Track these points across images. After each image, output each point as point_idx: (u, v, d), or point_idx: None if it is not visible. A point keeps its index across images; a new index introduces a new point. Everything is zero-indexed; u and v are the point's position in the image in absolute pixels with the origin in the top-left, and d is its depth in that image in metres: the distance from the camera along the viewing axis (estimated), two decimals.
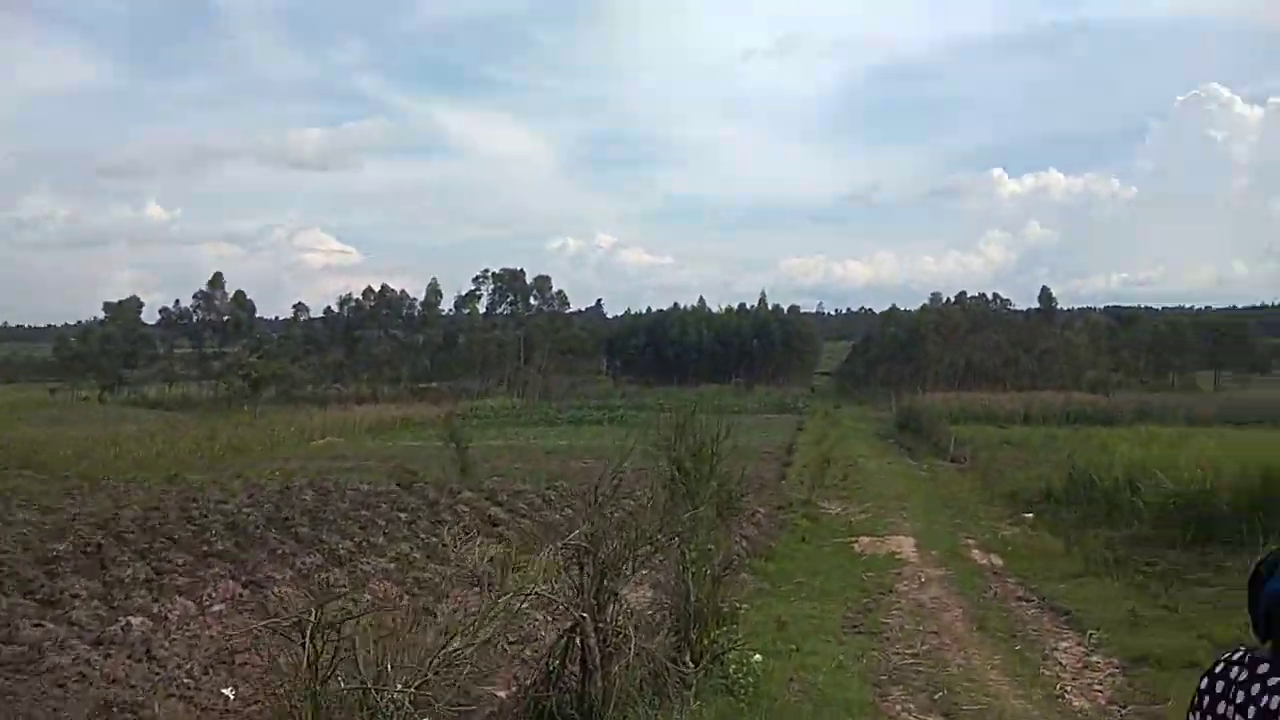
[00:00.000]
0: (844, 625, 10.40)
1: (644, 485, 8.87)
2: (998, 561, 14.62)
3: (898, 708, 7.57)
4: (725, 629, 6.96)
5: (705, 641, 6.77)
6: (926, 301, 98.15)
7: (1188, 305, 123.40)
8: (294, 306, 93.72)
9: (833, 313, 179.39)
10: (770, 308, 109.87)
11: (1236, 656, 2.20)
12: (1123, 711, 7.62)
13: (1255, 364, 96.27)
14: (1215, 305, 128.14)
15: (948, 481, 25.02)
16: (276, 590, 11.24)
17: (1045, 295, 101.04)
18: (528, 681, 6.06)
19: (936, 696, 7.82)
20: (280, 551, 13.51)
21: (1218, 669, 2.23)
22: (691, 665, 6.58)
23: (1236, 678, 2.16)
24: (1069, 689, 8.18)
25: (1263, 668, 2.10)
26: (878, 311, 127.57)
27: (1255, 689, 2.10)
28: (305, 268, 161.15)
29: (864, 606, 11.36)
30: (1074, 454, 22.02)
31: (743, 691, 6.82)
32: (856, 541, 16.03)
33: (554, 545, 5.89)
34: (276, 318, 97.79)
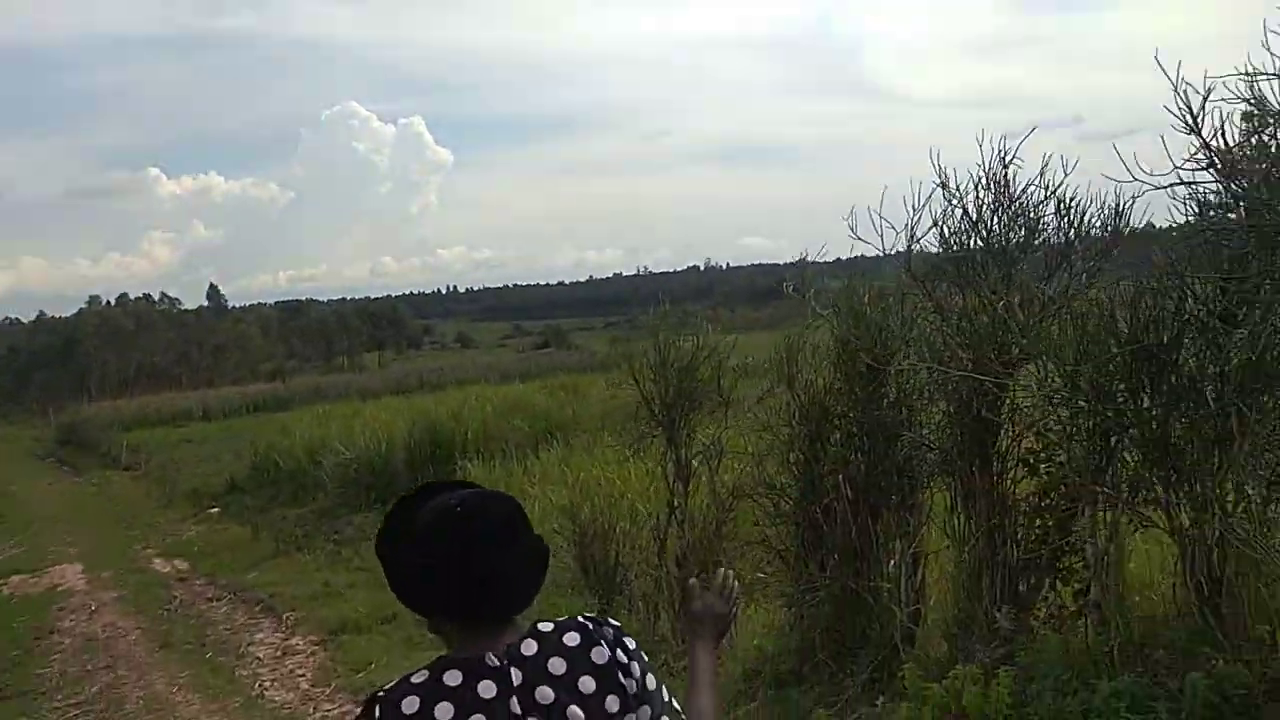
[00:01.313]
0: None
1: None
2: (183, 565, 13.18)
3: None
4: None
5: None
6: (84, 305, 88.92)
7: (349, 297, 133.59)
8: None
9: None
10: None
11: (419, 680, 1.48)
12: (326, 691, 7.06)
13: (411, 341, 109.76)
14: (373, 294, 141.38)
15: (121, 493, 22.31)
16: None
17: (214, 292, 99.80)
18: None
19: None
20: None
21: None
22: None
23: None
24: (268, 684, 7.35)
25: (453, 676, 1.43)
26: (27, 321, 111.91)
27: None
28: None
29: (12, 662, 9.00)
30: (254, 441, 21.37)
31: None
32: (4, 584, 13.01)
33: None
34: None
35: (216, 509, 17.53)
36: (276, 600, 10.15)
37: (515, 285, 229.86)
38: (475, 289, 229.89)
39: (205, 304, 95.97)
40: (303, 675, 7.49)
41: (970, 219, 3.63)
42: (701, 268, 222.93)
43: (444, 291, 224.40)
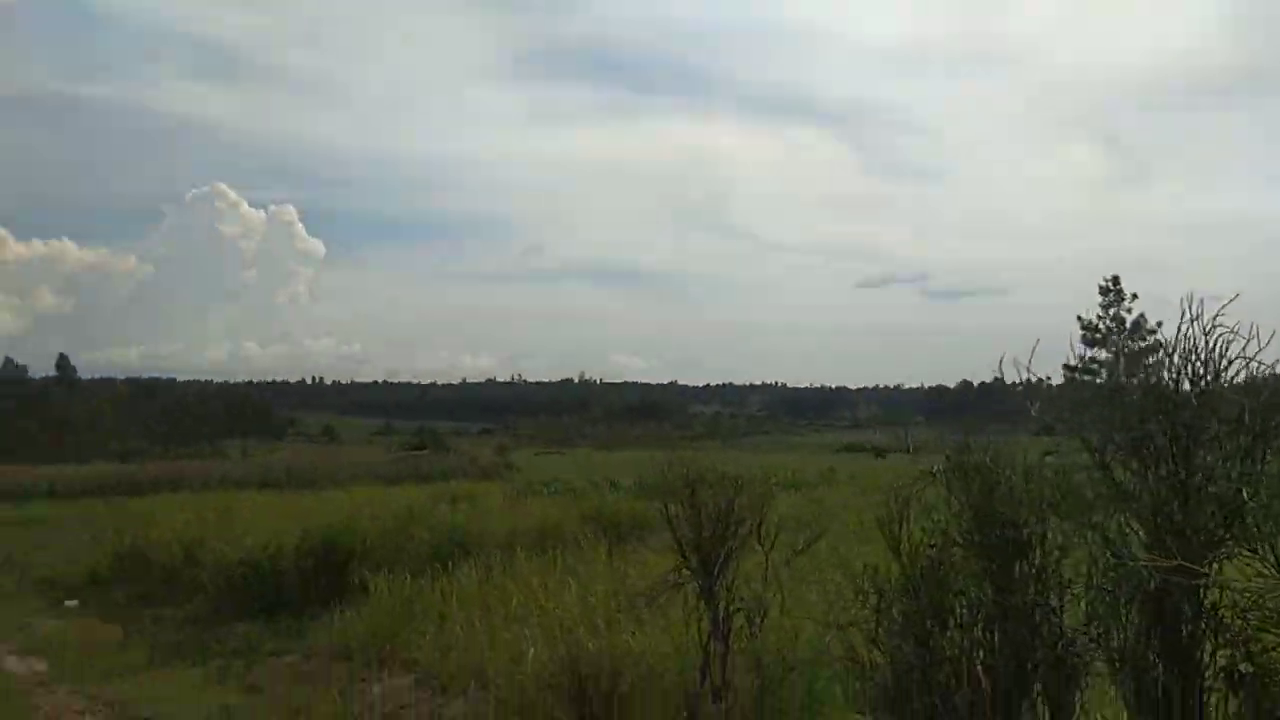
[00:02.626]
0: None
1: None
2: (41, 667, 11.74)
3: None
4: None
5: None
6: None
7: (205, 379, 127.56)
8: None
9: None
10: None
11: None
12: None
13: (274, 431, 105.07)
14: (233, 379, 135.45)
15: None
16: None
17: (64, 363, 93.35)
18: None
19: None
20: None
21: None
22: None
23: None
24: None
25: None
26: None
27: None
28: None
29: None
30: (121, 529, 19.60)
31: None
32: None
33: None
34: None
35: (76, 602, 15.87)
36: None
37: (385, 382, 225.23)
38: (343, 383, 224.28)
39: (53, 375, 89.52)
40: None
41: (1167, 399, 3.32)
42: (576, 381, 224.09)
43: (309, 383, 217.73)
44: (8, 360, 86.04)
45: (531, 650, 9.04)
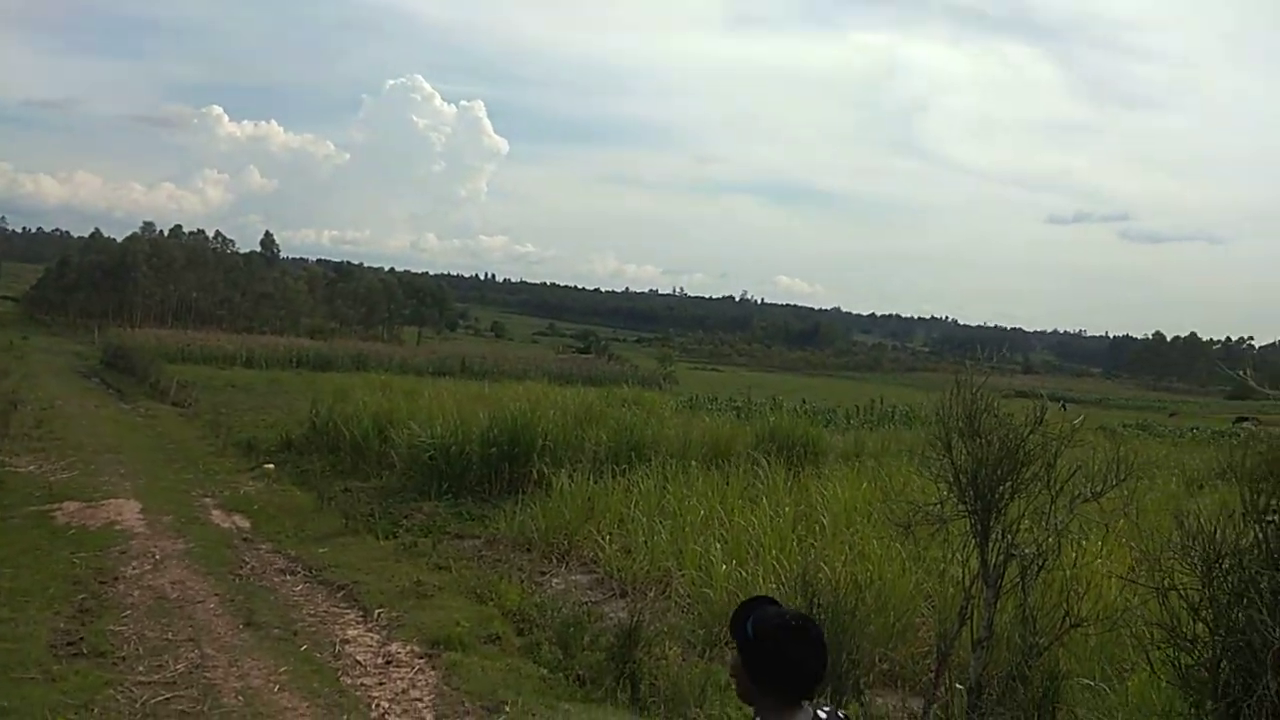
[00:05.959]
0: (55, 644, 7.17)
1: None
2: (244, 524, 12.39)
3: None
4: None
5: None
6: (137, 230, 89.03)
7: (390, 267, 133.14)
8: None
9: (18, 230, 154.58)
10: None
11: None
12: None
13: (448, 322, 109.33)
14: (413, 269, 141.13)
15: (172, 429, 21.60)
16: None
17: (268, 240, 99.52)
18: None
19: None
20: None
21: None
22: None
23: None
24: (385, 705, 6.43)
25: None
26: (75, 235, 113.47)
27: None
28: None
29: (82, 608, 8.15)
30: (317, 401, 20.56)
31: None
32: (60, 509, 12.24)
33: None
34: None
35: (272, 465, 16.75)
36: (360, 591, 9.29)
37: (553, 284, 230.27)
38: (514, 281, 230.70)
39: (258, 250, 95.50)
40: (419, 700, 6.57)
41: None
42: (737, 299, 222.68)
43: (482, 278, 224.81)
44: (217, 233, 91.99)
45: (724, 566, 8.82)
